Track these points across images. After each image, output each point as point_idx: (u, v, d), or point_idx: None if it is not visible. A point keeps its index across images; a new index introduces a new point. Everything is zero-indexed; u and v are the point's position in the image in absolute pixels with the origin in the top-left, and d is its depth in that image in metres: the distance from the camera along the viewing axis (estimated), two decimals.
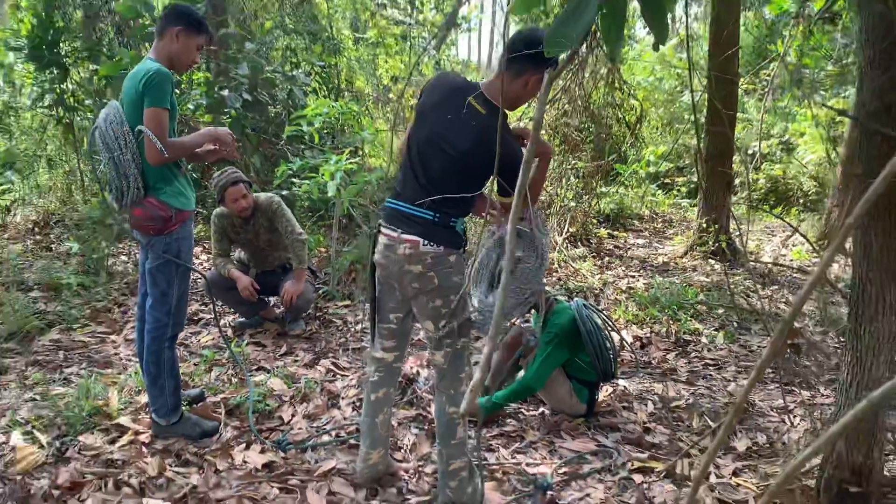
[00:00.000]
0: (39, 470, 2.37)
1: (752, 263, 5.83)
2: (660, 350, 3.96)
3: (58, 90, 5.66)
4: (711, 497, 2.39)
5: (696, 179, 8.91)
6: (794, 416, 3.05)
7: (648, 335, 4.15)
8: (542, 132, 4.67)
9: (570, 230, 6.38)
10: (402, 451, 2.69)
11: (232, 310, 4.17)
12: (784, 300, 4.95)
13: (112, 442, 2.59)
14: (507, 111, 2.16)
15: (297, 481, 2.40)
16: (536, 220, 2.29)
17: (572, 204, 6.47)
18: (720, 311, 4.59)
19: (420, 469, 2.55)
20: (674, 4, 1.24)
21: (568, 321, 2.93)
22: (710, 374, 3.65)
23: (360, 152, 6.39)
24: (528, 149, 1.06)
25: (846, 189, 5.98)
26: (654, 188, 8.86)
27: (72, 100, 5.84)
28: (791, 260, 6.28)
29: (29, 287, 4.32)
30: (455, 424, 2.23)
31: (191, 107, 5.68)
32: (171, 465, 2.46)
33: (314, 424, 2.87)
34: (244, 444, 2.65)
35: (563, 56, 1.74)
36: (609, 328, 3.15)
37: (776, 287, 5.31)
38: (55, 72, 5.55)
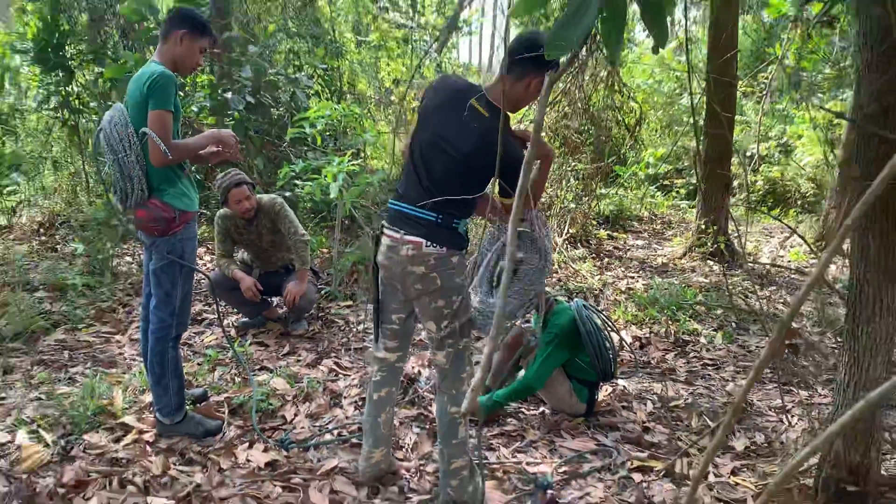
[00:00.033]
0: (45, 468, 2.38)
1: (750, 264, 5.85)
2: (659, 350, 3.98)
3: (63, 93, 5.70)
4: (710, 496, 2.41)
5: (694, 181, 8.93)
6: (792, 416, 3.07)
7: (647, 335, 4.17)
8: (543, 134, 4.69)
9: (570, 231, 6.41)
10: (404, 450, 2.70)
11: (235, 310, 4.19)
12: (782, 301, 4.97)
13: (116, 441, 2.61)
14: (508, 113, 2.18)
15: (299, 480, 2.42)
16: (538, 221, 2.31)
17: (572, 205, 6.49)
18: (719, 311, 4.61)
19: (421, 468, 2.56)
20: (673, 8, 1.26)
21: (568, 322, 2.95)
22: (709, 374, 3.67)
23: (362, 154, 6.42)
24: (528, 150, 1.07)
25: (844, 191, 6.00)
26: (654, 190, 8.88)
27: (77, 102, 5.87)
28: (789, 261, 6.30)
29: (34, 287, 4.34)
30: (456, 424, 2.24)
31: (194, 109, 5.71)
32: (174, 464, 2.48)
33: (317, 423, 2.89)
34: (247, 443, 2.67)
35: (563, 59, 1.76)
36: (609, 328, 3.17)
37: (774, 288, 5.34)
38: (61, 74, 5.58)
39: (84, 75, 5.96)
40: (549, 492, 2.37)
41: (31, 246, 5.38)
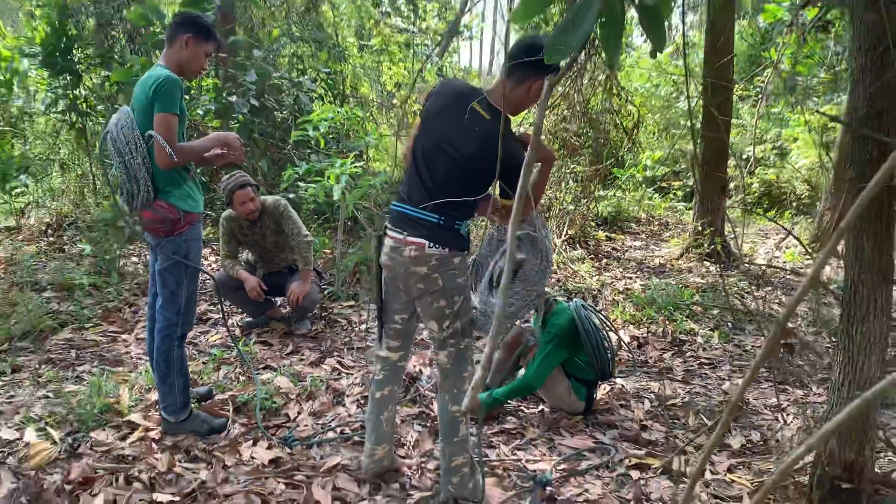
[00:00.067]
0: (52, 465, 2.41)
1: (746, 265, 5.89)
2: (656, 350, 4.01)
3: (71, 96, 5.74)
4: (706, 493, 2.43)
5: (691, 183, 8.97)
6: (788, 415, 3.10)
7: (645, 335, 4.21)
8: (543, 137, 4.73)
9: (569, 233, 6.45)
10: (406, 447, 2.73)
11: (239, 310, 4.22)
12: (777, 301, 5.01)
13: (123, 438, 2.64)
14: (509, 116, 2.21)
15: (302, 477, 2.45)
16: (538, 223, 2.34)
17: (571, 207, 6.54)
18: (715, 311, 4.65)
19: (423, 465, 2.59)
20: (670, 13, 1.28)
21: (567, 321, 2.98)
22: (706, 373, 3.70)
23: (365, 156, 6.45)
24: (528, 153, 1.09)
25: (838, 193, 6.05)
26: (651, 192, 8.92)
27: (84, 105, 5.90)
28: (784, 262, 6.34)
29: (42, 287, 4.38)
30: (457, 422, 2.27)
31: (200, 112, 5.74)
32: (180, 461, 2.50)
33: (320, 421, 2.92)
34: (251, 441, 2.70)
35: (562, 63, 1.80)
36: (607, 328, 3.20)
37: (770, 288, 5.38)
38: (68, 78, 5.62)
39: (91, 79, 6.00)
40: (548, 489, 2.41)
41: (39, 246, 5.42)
